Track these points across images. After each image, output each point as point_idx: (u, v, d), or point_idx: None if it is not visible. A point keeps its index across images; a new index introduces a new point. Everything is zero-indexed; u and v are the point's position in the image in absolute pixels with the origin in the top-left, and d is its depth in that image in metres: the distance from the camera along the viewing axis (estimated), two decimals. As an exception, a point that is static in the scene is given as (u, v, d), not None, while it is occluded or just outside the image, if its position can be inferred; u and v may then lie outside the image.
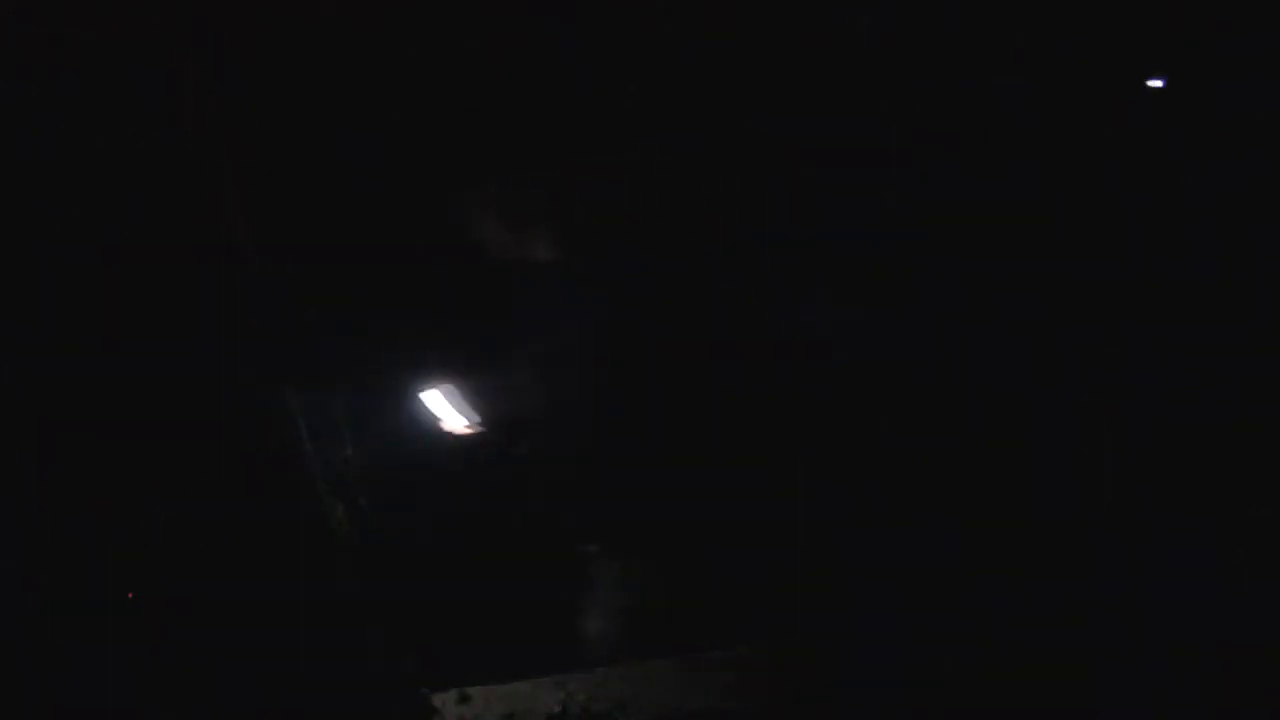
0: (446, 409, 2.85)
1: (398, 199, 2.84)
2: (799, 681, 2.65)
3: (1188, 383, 2.77)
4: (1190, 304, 2.81)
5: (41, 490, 2.63)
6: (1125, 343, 2.82)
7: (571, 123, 2.87)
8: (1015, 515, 2.74)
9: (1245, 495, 2.70)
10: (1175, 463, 2.74)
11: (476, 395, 2.87)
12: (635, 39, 2.85)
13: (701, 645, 2.69)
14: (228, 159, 2.79)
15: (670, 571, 2.80)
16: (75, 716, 2.54)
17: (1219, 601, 2.61)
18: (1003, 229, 2.86)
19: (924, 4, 2.85)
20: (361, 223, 2.83)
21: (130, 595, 2.61)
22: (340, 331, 2.81)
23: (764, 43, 2.86)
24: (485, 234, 2.87)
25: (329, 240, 2.82)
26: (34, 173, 2.69)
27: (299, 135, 2.81)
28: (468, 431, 2.86)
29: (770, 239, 2.87)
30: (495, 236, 2.87)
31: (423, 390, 2.83)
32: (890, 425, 2.82)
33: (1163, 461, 2.74)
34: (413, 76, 2.84)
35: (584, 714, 2.60)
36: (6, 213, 2.68)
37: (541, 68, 2.84)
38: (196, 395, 2.72)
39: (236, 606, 2.63)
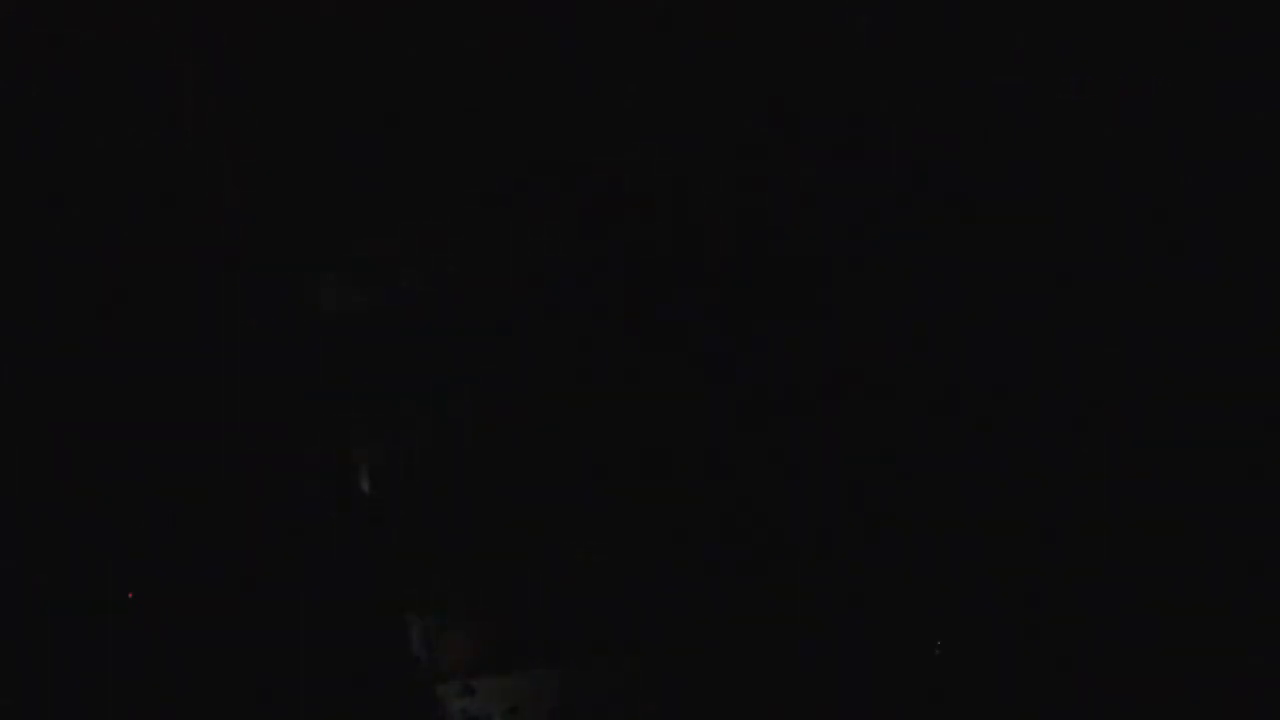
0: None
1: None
2: (807, 680, 2.64)
3: (1187, 383, 2.77)
4: (1190, 304, 2.81)
5: (41, 490, 2.63)
6: (1125, 343, 2.82)
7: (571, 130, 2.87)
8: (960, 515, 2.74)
9: (1244, 495, 2.71)
10: (1174, 463, 2.74)
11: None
12: (635, 39, 2.85)
13: (701, 640, 2.69)
14: (228, 159, 2.79)
15: (668, 566, 2.80)
16: (75, 716, 2.54)
17: (1218, 601, 2.61)
18: (1002, 229, 2.86)
19: (924, 4, 2.85)
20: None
21: (130, 595, 2.62)
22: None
23: (764, 43, 2.86)
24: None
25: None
26: (34, 173, 2.70)
27: (299, 135, 2.82)
28: None
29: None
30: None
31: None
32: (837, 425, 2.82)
33: (1162, 462, 2.75)
34: (414, 76, 2.84)
35: (588, 706, 2.60)
36: (6, 213, 2.69)
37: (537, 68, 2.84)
38: (196, 395, 2.72)
39: (236, 604, 2.63)
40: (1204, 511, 2.72)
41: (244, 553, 2.67)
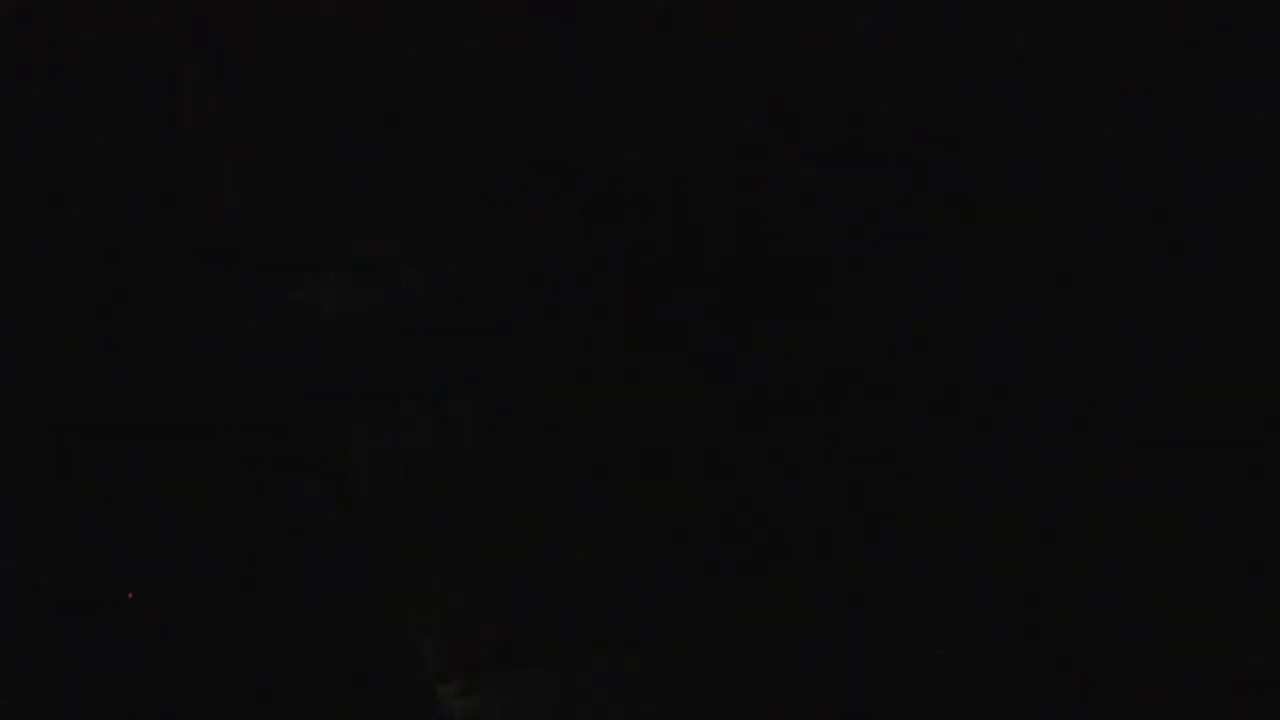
0: None
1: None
2: (807, 680, 2.64)
3: (1187, 383, 2.77)
4: (1190, 304, 2.81)
5: (41, 490, 2.63)
6: (1125, 343, 2.82)
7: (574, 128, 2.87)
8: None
9: (1244, 496, 2.70)
10: (1174, 463, 2.74)
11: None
12: (635, 39, 2.85)
13: (701, 640, 2.69)
14: (228, 159, 2.79)
15: (668, 566, 2.80)
16: (75, 716, 2.54)
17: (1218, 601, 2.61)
18: (1002, 229, 2.86)
19: (924, 4, 2.85)
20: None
21: (130, 595, 2.62)
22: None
23: (764, 43, 2.86)
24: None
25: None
26: (34, 173, 2.70)
27: (299, 135, 2.82)
28: None
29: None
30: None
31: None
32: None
33: (1162, 462, 2.74)
34: (414, 76, 2.84)
35: (587, 706, 2.60)
36: (7, 213, 2.69)
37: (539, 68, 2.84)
38: (196, 395, 2.72)
39: (236, 604, 2.63)
40: (1204, 511, 2.71)
41: (244, 553, 2.67)
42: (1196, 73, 2.84)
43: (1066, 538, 2.73)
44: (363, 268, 2.85)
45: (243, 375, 2.76)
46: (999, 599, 2.68)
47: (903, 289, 2.87)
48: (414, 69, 2.84)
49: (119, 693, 2.55)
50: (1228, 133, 2.83)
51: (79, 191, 2.72)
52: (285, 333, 2.79)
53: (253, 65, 2.79)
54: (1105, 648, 2.61)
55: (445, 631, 2.70)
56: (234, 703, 2.56)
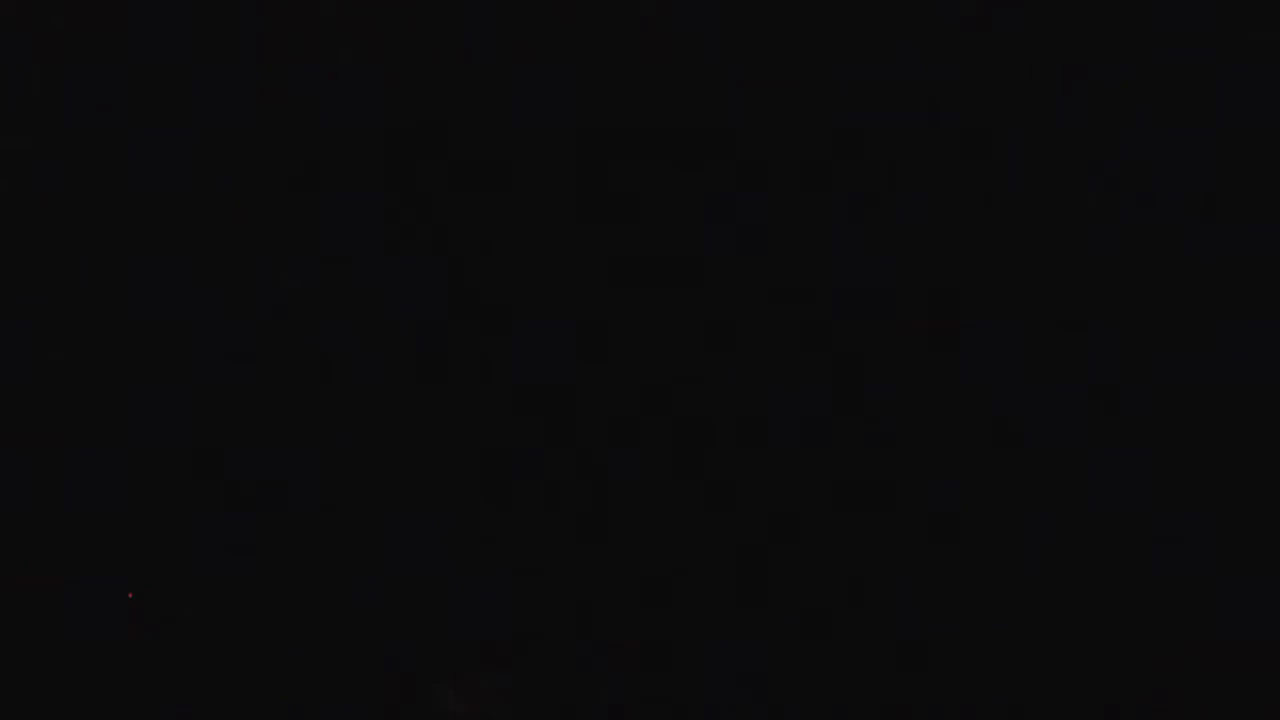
0: None
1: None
2: (807, 680, 2.64)
3: (1187, 383, 2.77)
4: (1190, 304, 2.81)
5: (42, 490, 2.63)
6: (1125, 342, 2.81)
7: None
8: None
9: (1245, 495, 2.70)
10: (1174, 462, 2.74)
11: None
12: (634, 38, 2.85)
13: (701, 640, 2.69)
14: (228, 157, 2.79)
15: (666, 566, 2.80)
16: (75, 716, 2.54)
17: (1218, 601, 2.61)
18: (1003, 228, 2.86)
19: (924, 4, 2.85)
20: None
21: (130, 595, 2.62)
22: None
23: (763, 42, 2.86)
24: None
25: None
26: (34, 172, 2.70)
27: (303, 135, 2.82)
28: None
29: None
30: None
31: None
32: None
33: (1161, 461, 2.74)
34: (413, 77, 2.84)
35: (588, 706, 2.60)
36: (6, 213, 2.69)
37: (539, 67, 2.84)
38: (195, 395, 2.72)
39: (236, 604, 2.63)
40: (1204, 511, 2.71)
41: (244, 552, 2.68)
42: (1196, 72, 2.84)
43: (1066, 537, 2.73)
44: (353, 263, 2.85)
45: (242, 371, 2.76)
46: (998, 598, 2.68)
47: (903, 291, 2.87)
48: (414, 68, 2.84)
49: (119, 692, 2.56)
50: (1228, 132, 2.83)
51: (79, 191, 2.73)
52: (284, 331, 2.80)
53: (252, 65, 2.79)
54: (1105, 647, 2.61)
55: (445, 631, 2.70)
56: (233, 703, 2.57)
